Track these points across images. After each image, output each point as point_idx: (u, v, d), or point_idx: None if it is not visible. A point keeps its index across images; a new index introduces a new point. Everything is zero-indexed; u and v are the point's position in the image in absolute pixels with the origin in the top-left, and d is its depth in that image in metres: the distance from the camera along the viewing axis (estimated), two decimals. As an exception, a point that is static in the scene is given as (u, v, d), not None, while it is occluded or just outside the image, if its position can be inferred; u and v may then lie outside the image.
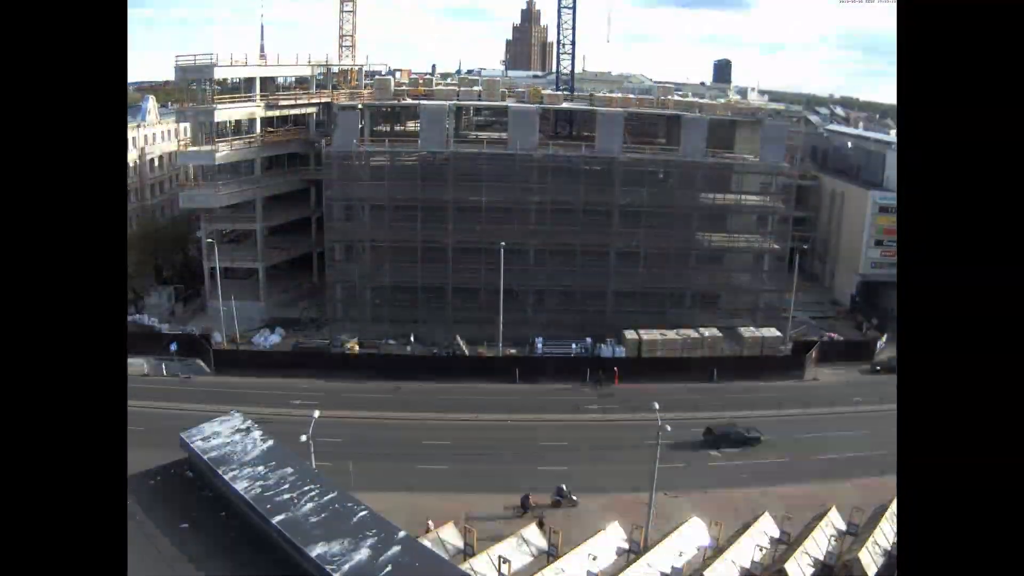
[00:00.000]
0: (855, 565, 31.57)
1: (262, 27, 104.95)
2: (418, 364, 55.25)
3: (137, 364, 51.32)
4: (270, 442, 32.79)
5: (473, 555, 30.79)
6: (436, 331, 58.32)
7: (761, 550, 32.05)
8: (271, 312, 62.94)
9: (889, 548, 32.93)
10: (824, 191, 75.45)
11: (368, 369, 53.81)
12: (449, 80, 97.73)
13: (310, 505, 24.79)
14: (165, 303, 64.71)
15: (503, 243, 55.80)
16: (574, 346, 57.38)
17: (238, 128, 71.61)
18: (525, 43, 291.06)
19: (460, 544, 31.90)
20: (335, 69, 77.80)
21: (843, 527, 34.99)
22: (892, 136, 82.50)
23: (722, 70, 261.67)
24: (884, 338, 60.29)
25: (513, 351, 56.85)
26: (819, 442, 46.38)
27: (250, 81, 65.22)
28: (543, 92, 67.71)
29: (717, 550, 32.68)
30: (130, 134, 78.91)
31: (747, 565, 31.29)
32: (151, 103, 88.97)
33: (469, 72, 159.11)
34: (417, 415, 48.37)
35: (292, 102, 70.18)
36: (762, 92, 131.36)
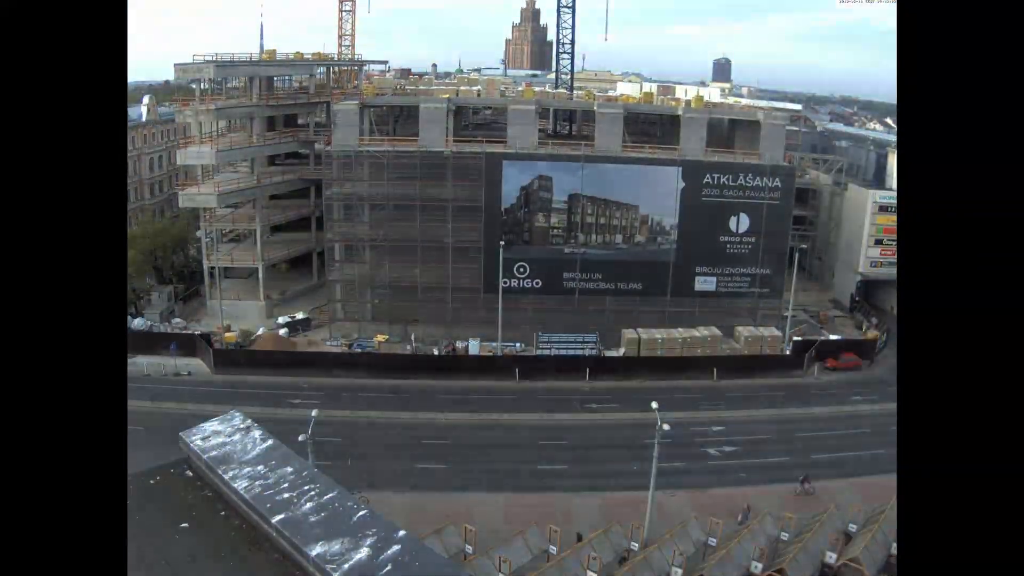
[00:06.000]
0: (855, 565, 31.60)
1: (262, 26, 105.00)
2: (418, 363, 55.25)
3: (138, 364, 51.29)
4: (270, 441, 32.96)
5: (473, 555, 30.80)
6: (435, 330, 58.37)
7: (761, 550, 32.08)
8: (271, 311, 62.95)
9: (889, 548, 32.95)
10: (824, 190, 75.43)
11: (368, 368, 53.82)
12: (448, 79, 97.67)
13: (310, 504, 24.97)
14: (165, 303, 64.69)
15: (502, 241, 55.84)
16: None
17: (238, 127, 71.67)
18: (524, 42, 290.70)
19: (460, 544, 31.91)
20: (335, 68, 77.87)
21: (843, 527, 35.02)
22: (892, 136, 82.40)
23: (722, 69, 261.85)
24: (884, 337, 60.32)
25: (514, 348, 56.90)
26: (819, 442, 46.42)
27: (250, 80, 65.23)
28: (545, 90, 67.71)
29: (717, 550, 32.71)
30: (130, 134, 78.88)
31: (747, 565, 31.31)
32: (150, 102, 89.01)
33: (469, 71, 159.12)
34: (417, 414, 48.39)
35: (292, 101, 70.18)
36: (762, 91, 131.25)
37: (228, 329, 57.55)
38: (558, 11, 72.75)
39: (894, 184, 70.50)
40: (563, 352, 56.36)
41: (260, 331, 58.51)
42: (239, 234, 71.59)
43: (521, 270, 59.23)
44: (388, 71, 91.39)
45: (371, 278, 59.04)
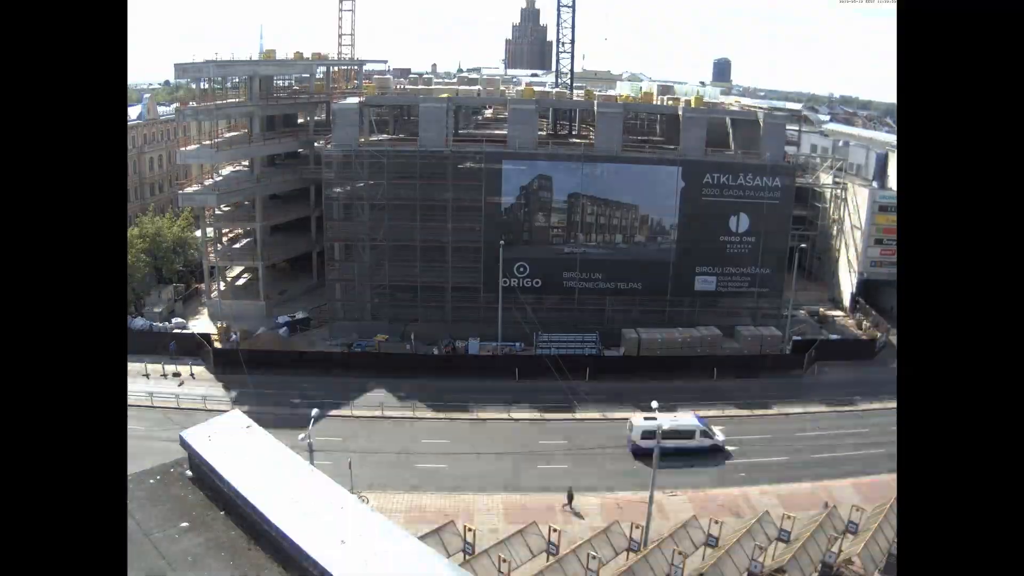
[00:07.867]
0: (855, 565, 31.65)
1: (261, 26, 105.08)
2: (418, 363, 55.22)
3: (137, 364, 51.29)
4: (270, 441, 32.85)
5: (473, 555, 30.84)
6: (435, 330, 58.35)
7: (761, 550, 32.10)
8: (270, 311, 62.94)
9: (889, 548, 32.98)
10: (824, 190, 75.34)
11: (368, 368, 53.78)
12: (448, 78, 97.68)
13: (309, 504, 24.92)
14: (164, 302, 64.68)
15: (502, 241, 55.80)
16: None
17: (238, 127, 71.68)
18: (524, 42, 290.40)
19: (460, 544, 31.96)
20: (334, 68, 77.86)
21: (843, 527, 35.05)
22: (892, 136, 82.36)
23: (722, 69, 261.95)
24: (883, 337, 60.27)
25: (514, 348, 56.89)
26: (819, 441, 46.41)
27: (250, 80, 65.25)
28: (545, 90, 67.71)
29: (717, 550, 32.74)
30: (130, 133, 78.89)
31: (747, 565, 31.34)
32: (150, 102, 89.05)
33: (469, 71, 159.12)
34: (417, 414, 48.38)
35: (292, 101, 70.18)
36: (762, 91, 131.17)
37: (228, 329, 57.53)
38: (558, 11, 72.71)
39: (894, 184, 70.56)
40: (563, 352, 56.33)
41: (260, 330, 58.51)
42: (239, 234, 71.58)
43: (521, 270, 59.21)
44: (388, 71, 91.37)
45: (370, 278, 59.02)
